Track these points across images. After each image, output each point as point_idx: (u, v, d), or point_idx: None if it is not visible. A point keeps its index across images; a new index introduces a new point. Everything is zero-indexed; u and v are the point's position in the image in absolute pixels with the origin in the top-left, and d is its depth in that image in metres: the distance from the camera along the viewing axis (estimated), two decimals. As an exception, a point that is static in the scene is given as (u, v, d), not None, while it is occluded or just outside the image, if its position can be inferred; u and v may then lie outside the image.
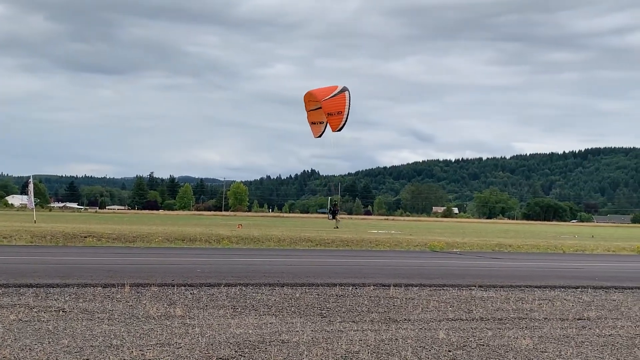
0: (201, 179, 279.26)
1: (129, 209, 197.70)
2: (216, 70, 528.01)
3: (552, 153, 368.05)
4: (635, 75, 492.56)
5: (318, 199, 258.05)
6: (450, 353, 8.98)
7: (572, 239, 49.04)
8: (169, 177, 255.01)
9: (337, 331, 10.16)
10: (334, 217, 55.92)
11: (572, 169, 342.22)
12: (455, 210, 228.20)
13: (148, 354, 8.39)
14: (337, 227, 52.10)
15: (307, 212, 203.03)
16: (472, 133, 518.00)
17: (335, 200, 60.98)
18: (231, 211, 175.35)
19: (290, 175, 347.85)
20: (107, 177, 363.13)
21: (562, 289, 16.18)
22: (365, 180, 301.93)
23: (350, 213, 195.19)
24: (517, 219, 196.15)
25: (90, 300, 12.38)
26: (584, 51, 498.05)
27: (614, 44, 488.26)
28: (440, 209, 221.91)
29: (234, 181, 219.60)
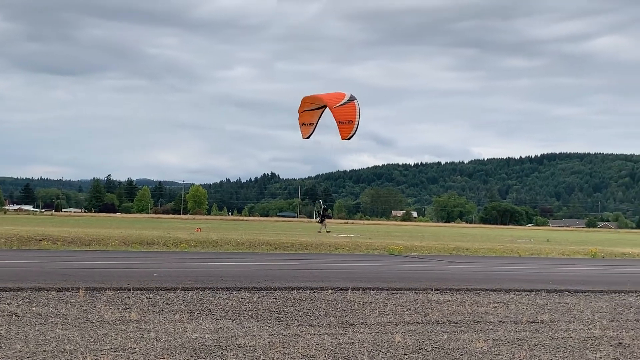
0: (160, 182, 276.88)
1: (85, 211, 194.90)
2: (175, 72, 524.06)
3: (509, 158, 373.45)
4: (589, 82, 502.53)
5: (278, 202, 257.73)
6: (406, 356, 9.05)
7: (527, 242, 49.77)
8: (126, 179, 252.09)
9: (294, 335, 10.17)
10: (322, 222, 56.03)
11: (528, 174, 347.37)
12: (414, 214, 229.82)
13: (102, 359, 8.30)
14: (320, 232, 52.16)
15: (267, 216, 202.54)
16: (431, 137, 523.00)
17: (324, 205, 60.78)
18: (190, 214, 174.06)
19: (250, 179, 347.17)
20: (64, 179, 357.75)
21: (517, 293, 16.41)
22: (326, 183, 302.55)
23: (310, 216, 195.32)
24: (474, 223, 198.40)
25: (44, 304, 12.19)
26: (539, 58, 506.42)
27: (568, 51, 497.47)
28: (400, 213, 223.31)
29: (193, 184, 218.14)
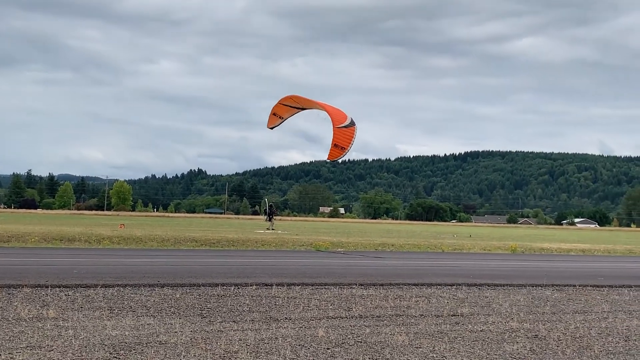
0: (82, 178, 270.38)
1: (5, 207, 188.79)
2: (98, 65, 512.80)
3: (433, 155, 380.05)
4: (510, 82, 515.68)
5: (205, 198, 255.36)
6: (329, 350, 9.10)
7: (451, 238, 50.77)
8: (48, 175, 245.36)
9: (217, 331, 10.09)
10: (270, 219, 55.26)
11: (452, 171, 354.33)
12: (342, 210, 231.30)
13: (18, 356, 8.06)
14: (273, 229, 51.74)
15: (194, 212, 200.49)
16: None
17: (271, 202, 59.81)
18: (114, 211, 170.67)
19: (176, 175, 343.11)
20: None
21: (439, 287, 16.71)
22: (253, 180, 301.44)
23: (237, 213, 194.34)
24: (400, 219, 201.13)
25: (-44, 303, 11.75)
26: (463, 58, 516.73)
27: (491, 52, 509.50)
28: (327, 209, 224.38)
29: (117, 180, 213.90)
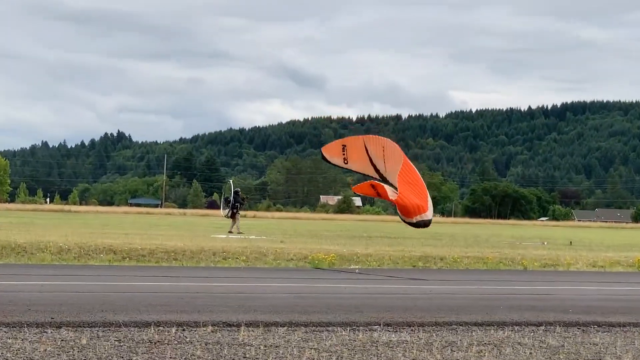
0: None
1: None
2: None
3: (510, 109, 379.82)
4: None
5: (130, 181, 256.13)
6: None
7: (538, 247, 50.84)
8: None
9: (148, 401, 10.19)
10: (233, 214, 54.84)
11: (541, 136, 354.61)
12: (357, 201, 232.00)
13: None
14: (239, 232, 51.93)
15: (112, 204, 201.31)
16: (383, 75, 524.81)
17: (237, 188, 59.38)
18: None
19: (82, 142, 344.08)
20: None
21: (517, 328, 16.77)
22: (209, 150, 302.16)
23: (183, 205, 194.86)
24: (455, 216, 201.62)
25: None
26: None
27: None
28: (334, 199, 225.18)
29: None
